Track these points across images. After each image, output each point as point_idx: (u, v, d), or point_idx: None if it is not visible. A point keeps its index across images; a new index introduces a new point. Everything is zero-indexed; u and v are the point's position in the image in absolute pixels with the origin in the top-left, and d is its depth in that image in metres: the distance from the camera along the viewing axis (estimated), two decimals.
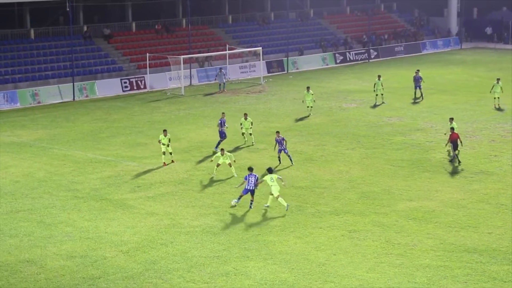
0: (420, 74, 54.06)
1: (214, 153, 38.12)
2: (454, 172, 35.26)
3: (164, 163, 36.82)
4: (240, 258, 25.21)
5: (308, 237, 27.15)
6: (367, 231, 27.68)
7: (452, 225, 28.14)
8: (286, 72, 68.98)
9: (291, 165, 36.20)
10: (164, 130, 37.28)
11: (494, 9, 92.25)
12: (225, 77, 59.26)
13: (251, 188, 30.09)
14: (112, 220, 29.10)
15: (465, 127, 43.05)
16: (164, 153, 36.94)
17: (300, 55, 71.83)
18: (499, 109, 49.18)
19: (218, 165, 34.64)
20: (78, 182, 34.31)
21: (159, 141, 36.93)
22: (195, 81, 63.09)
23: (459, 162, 36.22)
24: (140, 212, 30.08)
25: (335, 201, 31.21)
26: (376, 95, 52.23)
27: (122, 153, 39.48)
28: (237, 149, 39.84)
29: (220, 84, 58.61)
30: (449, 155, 37.48)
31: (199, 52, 65.80)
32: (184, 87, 58.96)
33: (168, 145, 36.86)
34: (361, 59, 76.22)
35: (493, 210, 29.87)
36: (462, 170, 35.55)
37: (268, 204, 30.29)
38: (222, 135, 39.61)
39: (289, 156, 36.57)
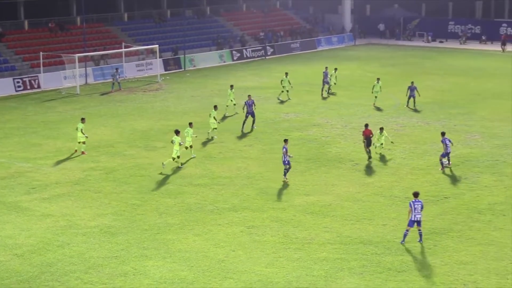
0: (328, 71, 55.13)
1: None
2: (349, 166, 35.98)
3: (83, 151, 38.47)
4: (139, 257, 25.02)
5: (207, 234, 27.19)
6: (265, 226, 27.94)
7: (348, 218, 28.73)
8: (183, 69, 68.77)
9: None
10: (82, 118, 38.96)
11: (386, 6, 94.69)
12: (119, 77, 58.47)
13: None
14: (5, 223, 28.34)
15: (359, 122, 43.91)
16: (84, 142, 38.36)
17: (175, 55, 70.80)
18: (378, 108, 50.07)
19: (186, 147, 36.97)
20: None
21: (81, 130, 38.09)
22: (90, 80, 62.11)
23: (370, 157, 36.83)
24: (35, 214, 29.42)
25: (234, 198, 31.35)
26: (282, 91, 52.89)
27: (15, 154, 38.48)
28: (142, 147, 39.45)
29: (113, 83, 57.82)
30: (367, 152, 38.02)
31: (95, 50, 64.84)
32: (80, 86, 57.96)
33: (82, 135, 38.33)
34: (258, 56, 76.77)
35: (387, 202, 30.65)
36: (357, 164, 36.32)
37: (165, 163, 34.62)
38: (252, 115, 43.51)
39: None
